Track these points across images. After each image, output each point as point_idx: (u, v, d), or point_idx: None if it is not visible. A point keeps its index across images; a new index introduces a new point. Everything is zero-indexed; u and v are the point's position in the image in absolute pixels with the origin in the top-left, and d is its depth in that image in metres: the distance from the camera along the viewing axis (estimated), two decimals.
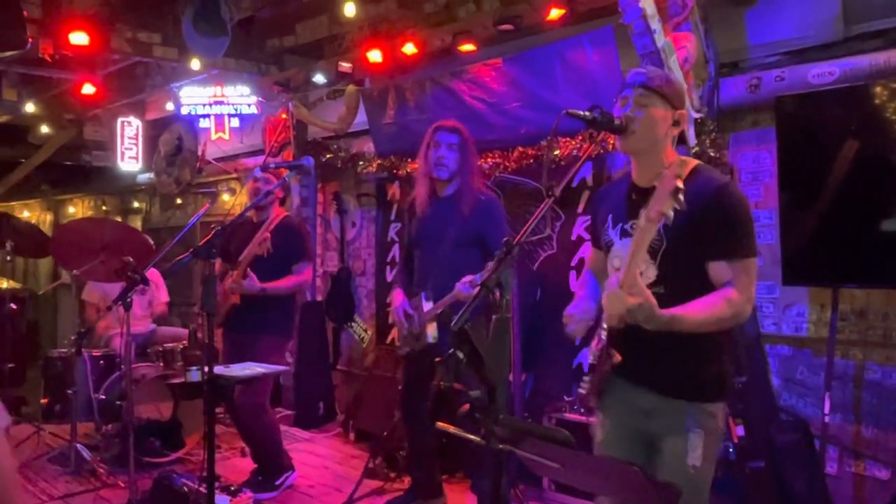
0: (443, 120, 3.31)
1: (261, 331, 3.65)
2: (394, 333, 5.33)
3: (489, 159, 4.28)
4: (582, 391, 1.97)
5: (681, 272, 1.76)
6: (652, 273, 1.78)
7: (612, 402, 1.96)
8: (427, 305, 3.16)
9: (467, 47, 4.39)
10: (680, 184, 1.54)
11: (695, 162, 1.90)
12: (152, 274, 4.98)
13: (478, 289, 1.56)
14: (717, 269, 1.77)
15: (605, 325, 1.86)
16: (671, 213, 1.55)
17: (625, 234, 1.91)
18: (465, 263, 3.10)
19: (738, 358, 3.12)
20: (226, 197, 6.69)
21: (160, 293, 5.38)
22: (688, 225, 1.73)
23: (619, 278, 1.63)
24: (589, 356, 1.96)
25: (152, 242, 4.58)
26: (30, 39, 4.19)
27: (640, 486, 1.44)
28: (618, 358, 1.80)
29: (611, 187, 2.12)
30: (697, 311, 1.71)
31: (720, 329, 1.79)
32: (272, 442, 3.82)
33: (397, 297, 3.34)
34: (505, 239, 1.63)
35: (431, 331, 3.14)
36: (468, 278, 2.93)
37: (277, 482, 3.78)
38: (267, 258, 3.57)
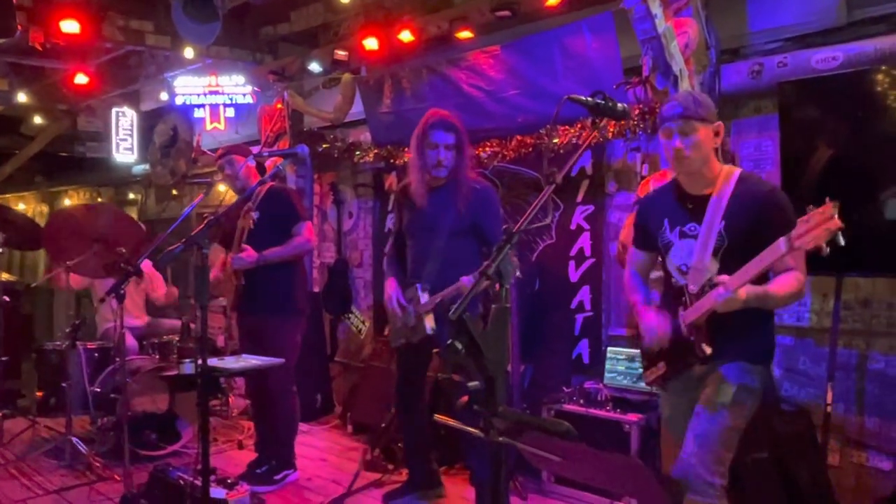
0: (437, 111, 3.20)
1: (267, 312, 3.61)
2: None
3: (487, 148, 4.23)
4: (651, 376, 2.28)
5: (736, 264, 1.99)
6: (714, 267, 2.07)
7: (677, 381, 2.23)
8: (424, 297, 3.11)
9: (464, 34, 4.33)
10: (839, 226, 1.72)
11: (737, 170, 2.15)
12: (145, 267, 4.94)
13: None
14: (782, 259, 1.96)
15: (686, 321, 2.10)
16: (826, 247, 1.75)
17: (684, 235, 2.18)
18: (461, 254, 3.06)
19: None
20: (221, 188, 6.64)
21: (155, 286, 5.33)
22: (748, 226, 2.03)
23: (729, 286, 1.93)
24: (652, 345, 2.22)
25: (144, 227, 4.52)
26: (19, 27, 4.12)
27: (643, 480, 1.41)
28: (709, 350, 2.07)
29: (655, 196, 2.37)
30: (781, 288, 2.01)
31: (787, 306, 2.18)
32: (287, 430, 3.78)
33: (391, 286, 3.29)
34: (505, 227, 1.59)
35: (430, 322, 3.08)
36: (466, 279, 2.87)
37: (277, 477, 3.73)
38: (262, 229, 3.52)
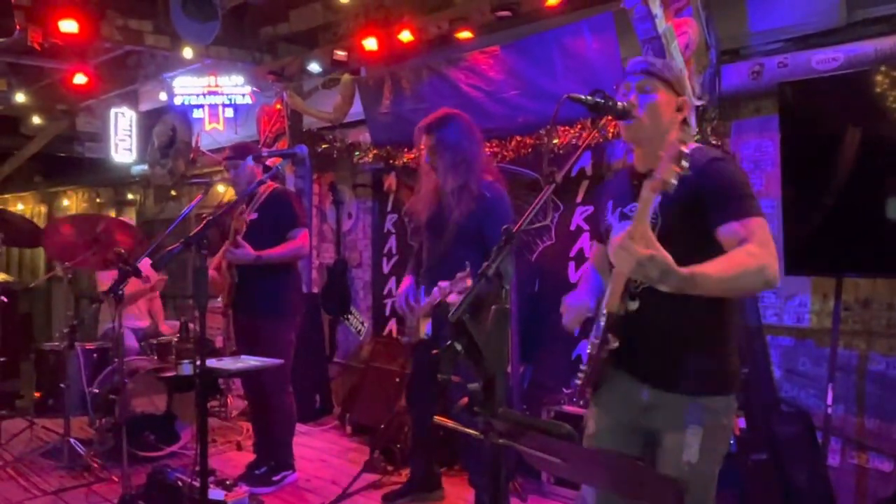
0: (430, 115, 3.18)
1: (259, 313, 3.61)
2: (391, 325, 5.29)
3: (486, 149, 4.22)
4: (579, 381, 1.92)
5: (677, 250, 1.55)
6: None
7: (609, 394, 1.90)
8: (424, 300, 3.12)
9: (464, 34, 4.32)
10: (684, 148, 1.46)
11: (693, 144, 1.83)
12: (145, 268, 4.93)
13: (476, 278, 1.50)
14: (729, 233, 1.66)
15: (604, 311, 1.78)
16: (674, 181, 1.46)
17: (624, 217, 1.87)
18: (460, 259, 2.94)
19: (740, 349, 3.08)
20: (220, 188, 6.62)
21: (154, 286, 5.32)
22: (682, 199, 1.66)
23: (630, 231, 1.52)
24: (588, 347, 1.90)
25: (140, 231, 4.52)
26: (17, 27, 4.11)
27: (645, 482, 1.40)
28: (615, 343, 1.73)
29: (613, 178, 2.07)
30: (718, 266, 1.57)
31: (747, 290, 1.69)
32: (284, 431, 3.76)
33: (404, 283, 3.31)
34: (504, 227, 1.57)
35: (423, 326, 3.11)
36: (443, 284, 2.87)
37: (276, 478, 3.72)
38: (260, 230, 3.52)
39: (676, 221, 1.71)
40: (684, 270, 1.51)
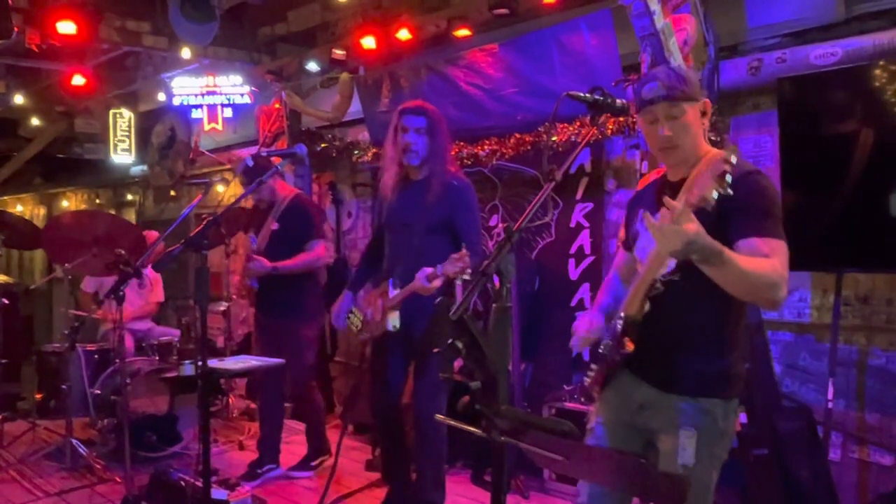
0: (407, 102, 3.11)
1: (284, 314, 3.74)
2: None
3: (486, 146, 4.23)
4: (587, 380, 1.94)
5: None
6: (672, 261, 1.68)
7: (612, 391, 1.92)
8: (393, 293, 3.01)
9: (463, 33, 4.33)
10: (728, 168, 1.44)
11: (724, 152, 1.84)
12: (149, 272, 4.95)
13: (470, 277, 1.50)
14: (749, 247, 1.62)
15: (622, 314, 1.79)
16: (713, 197, 1.45)
17: None
18: (434, 250, 2.90)
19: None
20: (220, 188, 6.63)
21: (156, 292, 5.31)
22: (714, 211, 1.63)
23: (672, 216, 1.48)
24: (601, 347, 1.90)
25: (144, 233, 4.53)
26: (15, 29, 4.11)
27: (647, 479, 1.40)
28: (630, 347, 1.74)
29: (643, 189, 2.05)
30: (746, 261, 1.57)
31: (755, 296, 1.65)
32: (316, 420, 3.98)
33: (340, 299, 3.24)
34: (505, 225, 1.58)
35: (392, 318, 2.99)
36: (427, 271, 2.76)
37: (314, 463, 3.96)
38: (279, 239, 3.66)
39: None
40: (717, 245, 1.50)
